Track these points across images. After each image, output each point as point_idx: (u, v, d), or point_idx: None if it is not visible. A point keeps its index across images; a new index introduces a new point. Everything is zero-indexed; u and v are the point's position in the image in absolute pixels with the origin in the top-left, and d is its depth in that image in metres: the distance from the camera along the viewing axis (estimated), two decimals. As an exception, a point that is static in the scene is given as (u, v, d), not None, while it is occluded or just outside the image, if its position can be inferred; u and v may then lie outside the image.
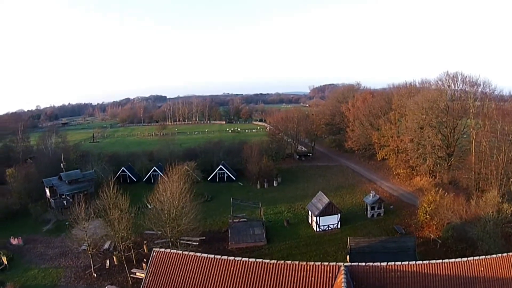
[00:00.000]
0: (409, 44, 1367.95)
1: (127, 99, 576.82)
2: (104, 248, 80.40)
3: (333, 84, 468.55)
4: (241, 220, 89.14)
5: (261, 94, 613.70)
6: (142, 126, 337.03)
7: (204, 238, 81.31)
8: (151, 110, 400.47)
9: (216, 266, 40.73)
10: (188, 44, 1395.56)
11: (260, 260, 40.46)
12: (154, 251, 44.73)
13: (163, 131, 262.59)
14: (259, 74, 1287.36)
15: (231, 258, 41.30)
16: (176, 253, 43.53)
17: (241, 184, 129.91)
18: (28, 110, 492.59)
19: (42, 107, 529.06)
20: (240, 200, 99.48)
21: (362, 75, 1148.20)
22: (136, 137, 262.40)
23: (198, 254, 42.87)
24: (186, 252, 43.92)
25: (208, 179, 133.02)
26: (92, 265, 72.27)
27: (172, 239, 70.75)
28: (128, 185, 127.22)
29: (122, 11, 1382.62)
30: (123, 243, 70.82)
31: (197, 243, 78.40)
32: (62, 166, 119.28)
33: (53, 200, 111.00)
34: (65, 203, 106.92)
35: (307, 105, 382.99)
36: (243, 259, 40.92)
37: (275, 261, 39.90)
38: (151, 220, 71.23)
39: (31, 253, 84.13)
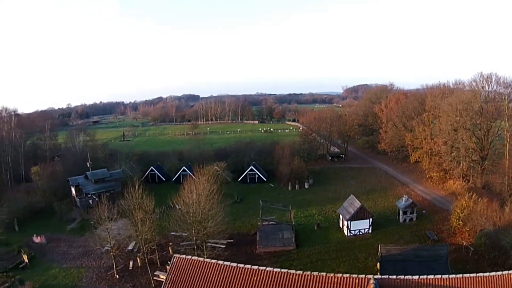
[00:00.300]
0: (443, 44, 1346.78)
1: (160, 98, 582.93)
2: (128, 249, 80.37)
3: (366, 84, 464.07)
4: (270, 223, 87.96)
5: (294, 94, 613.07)
6: (174, 125, 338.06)
7: (231, 241, 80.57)
8: (183, 109, 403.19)
9: (239, 275, 39.45)
10: (224, 43, 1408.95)
11: (286, 270, 38.87)
12: (174, 257, 44.01)
13: (194, 131, 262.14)
14: (293, 74, 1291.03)
15: (255, 267, 39.90)
16: (197, 260, 42.66)
17: (272, 185, 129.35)
18: (58, 108, 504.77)
19: (73, 105, 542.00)
20: (269, 203, 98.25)
21: (396, 75, 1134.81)
22: (167, 136, 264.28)
23: (220, 262, 41.74)
24: (208, 260, 43.16)
25: (239, 179, 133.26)
26: (114, 266, 72.33)
27: (197, 242, 70.17)
28: (156, 185, 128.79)
29: (158, 10, 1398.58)
30: (147, 245, 70.54)
31: (224, 246, 77.45)
32: (88, 165, 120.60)
33: (78, 199, 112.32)
34: (91, 202, 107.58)
35: (340, 105, 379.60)
36: (268, 268, 39.47)
37: (301, 272, 38.30)
38: (176, 222, 70.93)
39: (53, 252, 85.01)
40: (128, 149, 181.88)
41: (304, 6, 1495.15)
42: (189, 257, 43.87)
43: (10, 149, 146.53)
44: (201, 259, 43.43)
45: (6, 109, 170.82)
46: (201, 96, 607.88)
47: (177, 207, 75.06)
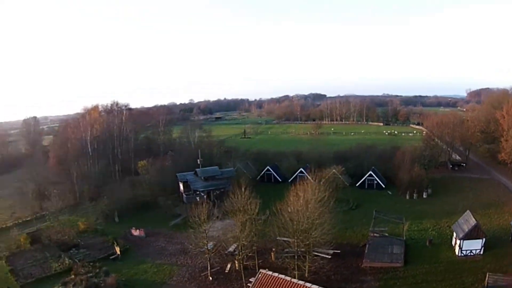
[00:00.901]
0: None
1: (286, 96, 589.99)
2: (229, 250, 78.68)
3: (488, 88, 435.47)
4: (381, 235, 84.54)
5: (419, 96, 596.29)
6: (298, 124, 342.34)
7: (338, 251, 77.00)
8: (309, 108, 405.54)
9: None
10: (352, 40, 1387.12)
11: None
12: (260, 272, 45.67)
13: (318, 130, 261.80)
14: (418, 75, 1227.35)
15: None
16: (283, 279, 42.55)
17: (390, 193, 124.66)
18: (180, 104, 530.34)
19: (195, 101, 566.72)
20: (383, 213, 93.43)
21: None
22: (290, 135, 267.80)
23: (308, 284, 40.91)
24: (294, 280, 42.98)
25: (357, 185, 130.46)
26: (209, 268, 71.83)
27: (299, 252, 67.25)
28: (271, 185, 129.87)
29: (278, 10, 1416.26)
30: (246, 250, 69.73)
31: (330, 257, 74.40)
32: (198, 162, 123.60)
33: (185, 195, 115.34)
34: (198, 199, 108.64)
35: (464, 109, 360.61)
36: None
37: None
38: (279, 229, 68.74)
39: (150, 246, 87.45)
40: (246, 147, 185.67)
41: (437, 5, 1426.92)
42: (276, 274, 44.85)
43: (121, 143, 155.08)
44: (288, 278, 43.52)
45: (117, 104, 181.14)
46: (327, 95, 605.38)
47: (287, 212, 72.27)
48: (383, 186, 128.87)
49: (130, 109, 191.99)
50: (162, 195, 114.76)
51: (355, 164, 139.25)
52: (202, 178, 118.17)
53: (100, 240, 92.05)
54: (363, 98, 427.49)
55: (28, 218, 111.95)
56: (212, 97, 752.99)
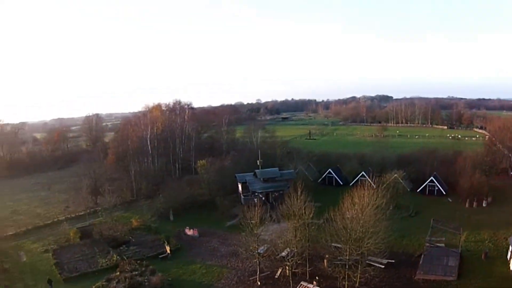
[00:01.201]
0: None
1: (353, 98, 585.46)
2: (281, 255, 76.16)
3: None
4: (438, 245, 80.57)
5: (483, 99, 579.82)
6: (364, 125, 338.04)
7: (392, 261, 73.71)
8: (375, 109, 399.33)
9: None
10: (416, 42, 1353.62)
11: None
12: (301, 284, 42.22)
13: (383, 133, 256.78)
14: (482, 75, 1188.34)
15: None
16: None
17: (450, 200, 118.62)
18: (247, 103, 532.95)
19: (263, 101, 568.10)
20: (441, 223, 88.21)
21: None
22: (356, 137, 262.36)
23: None
24: None
25: (418, 190, 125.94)
26: (258, 272, 70.05)
27: (351, 261, 64.12)
28: (332, 188, 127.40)
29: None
30: (297, 256, 68.32)
31: (383, 266, 71.16)
32: (258, 163, 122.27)
33: (243, 196, 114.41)
34: (256, 201, 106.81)
35: None
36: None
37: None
38: (332, 236, 66.03)
39: (203, 246, 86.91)
40: (310, 148, 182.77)
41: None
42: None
43: (182, 141, 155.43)
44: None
45: (179, 102, 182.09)
46: (394, 97, 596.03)
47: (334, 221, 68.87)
48: (444, 193, 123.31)
49: (192, 108, 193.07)
50: (221, 195, 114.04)
51: (417, 169, 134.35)
52: (261, 179, 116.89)
53: (152, 238, 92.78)
54: (428, 100, 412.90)
55: (81, 213, 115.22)
56: (280, 98, 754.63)
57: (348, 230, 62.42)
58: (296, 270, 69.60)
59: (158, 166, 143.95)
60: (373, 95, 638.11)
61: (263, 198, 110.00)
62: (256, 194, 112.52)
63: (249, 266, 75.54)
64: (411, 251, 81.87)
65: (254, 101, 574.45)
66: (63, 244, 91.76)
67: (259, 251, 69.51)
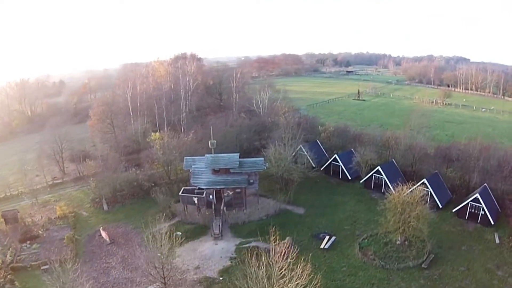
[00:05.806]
0: None
1: (430, 56, 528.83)
2: None
3: None
4: None
5: None
6: (431, 88, 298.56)
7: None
8: (444, 71, 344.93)
9: None
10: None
11: None
12: None
13: (445, 100, 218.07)
14: None
15: None
16: None
17: (498, 238, 70.01)
18: (319, 53, 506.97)
19: (335, 52, 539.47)
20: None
21: None
22: (413, 102, 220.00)
23: None
24: None
25: (454, 210, 78.44)
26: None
27: None
28: (335, 184, 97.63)
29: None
30: None
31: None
32: (210, 145, 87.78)
33: (182, 191, 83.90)
34: (195, 201, 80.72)
35: None
36: None
37: None
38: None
39: (98, 261, 65.26)
40: (331, 116, 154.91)
41: None
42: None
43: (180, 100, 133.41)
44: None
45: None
46: (471, 60, 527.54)
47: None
48: (492, 222, 73.06)
49: (199, 59, 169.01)
50: (163, 184, 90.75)
51: (461, 173, 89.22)
52: (211, 170, 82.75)
53: (64, 235, 71.51)
54: (504, 67, 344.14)
55: (38, 186, 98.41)
56: (354, 50, 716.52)
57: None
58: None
59: (133, 131, 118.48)
60: (450, 55, 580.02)
61: (211, 197, 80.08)
62: (202, 190, 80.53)
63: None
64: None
65: (326, 52, 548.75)
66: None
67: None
